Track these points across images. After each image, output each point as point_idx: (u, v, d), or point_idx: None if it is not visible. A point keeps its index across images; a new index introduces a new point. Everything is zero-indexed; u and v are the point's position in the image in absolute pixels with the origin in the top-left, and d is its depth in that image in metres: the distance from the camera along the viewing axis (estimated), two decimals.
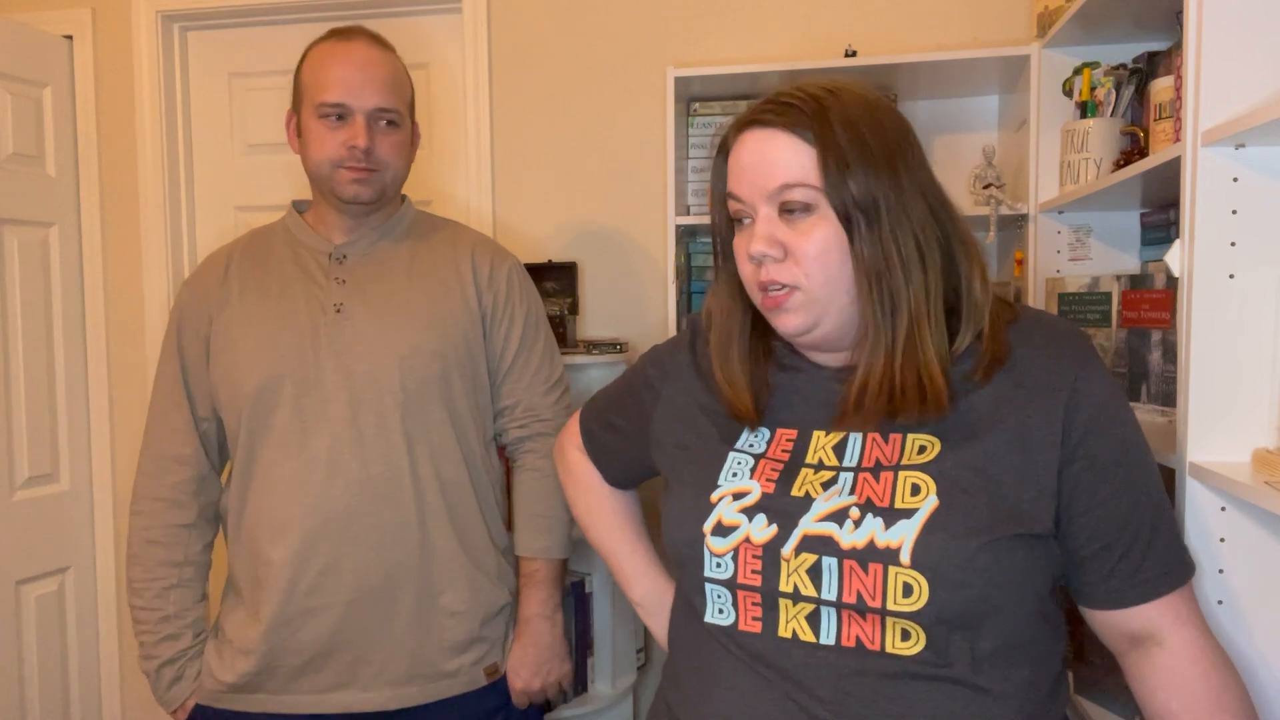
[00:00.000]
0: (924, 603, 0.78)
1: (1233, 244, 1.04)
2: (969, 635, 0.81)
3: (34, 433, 2.28)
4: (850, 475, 0.86)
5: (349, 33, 1.37)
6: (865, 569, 0.80)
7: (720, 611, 0.89)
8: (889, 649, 0.81)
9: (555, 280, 2.18)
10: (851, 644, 0.82)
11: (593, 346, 2.03)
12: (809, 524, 0.84)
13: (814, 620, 0.83)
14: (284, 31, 2.38)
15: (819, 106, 0.84)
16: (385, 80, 1.34)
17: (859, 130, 0.83)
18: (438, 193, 2.34)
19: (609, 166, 2.25)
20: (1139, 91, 1.57)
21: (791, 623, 0.84)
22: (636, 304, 2.25)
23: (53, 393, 2.35)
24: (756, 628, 0.86)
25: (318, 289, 1.36)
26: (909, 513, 0.81)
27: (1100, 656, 1.47)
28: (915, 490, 0.82)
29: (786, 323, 0.88)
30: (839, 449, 0.88)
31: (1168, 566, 0.85)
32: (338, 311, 1.34)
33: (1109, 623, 0.88)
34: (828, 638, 0.83)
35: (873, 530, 0.81)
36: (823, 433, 0.90)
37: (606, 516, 1.18)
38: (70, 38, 2.39)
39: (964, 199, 2.03)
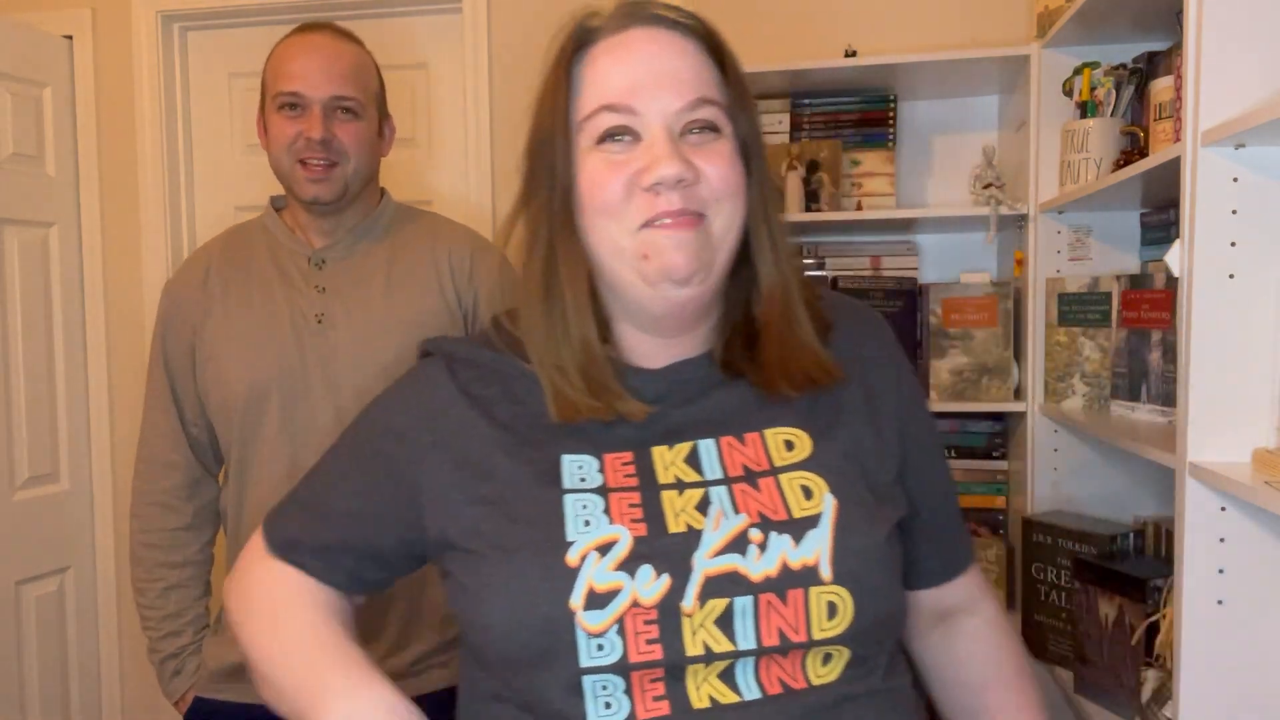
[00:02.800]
0: (849, 620, 0.68)
1: (1233, 244, 1.04)
2: (884, 642, 0.74)
3: (34, 433, 2.28)
4: (722, 489, 0.72)
5: (313, 26, 1.36)
6: (784, 599, 0.68)
7: (608, 707, 0.68)
8: (813, 681, 0.69)
9: None
10: (777, 690, 0.69)
11: None
12: (705, 562, 0.68)
13: (729, 677, 0.68)
14: (284, 31, 2.36)
15: (713, 28, 0.78)
16: (343, 70, 1.31)
17: (739, 65, 0.78)
18: (437, 193, 2.34)
19: None
20: (1139, 91, 1.57)
21: (704, 687, 0.68)
22: None
23: (53, 393, 2.35)
24: (663, 709, 0.67)
25: (299, 296, 1.34)
26: (813, 520, 0.70)
27: (1100, 656, 1.47)
28: (808, 493, 0.71)
29: (681, 263, 0.70)
30: (692, 460, 0.73)
31: (968, 539, 0.91)
32: (319, 322, 1.33)
33: (928, 599, 0.87)
34: (750, 692, 0.68)
35: (782, 550, 0.68)
36: (665, 448, 0.74)
37: (329, 622, 0.79)
38: (70, 38, 2.39)
39: (964, 199, 2.03)
